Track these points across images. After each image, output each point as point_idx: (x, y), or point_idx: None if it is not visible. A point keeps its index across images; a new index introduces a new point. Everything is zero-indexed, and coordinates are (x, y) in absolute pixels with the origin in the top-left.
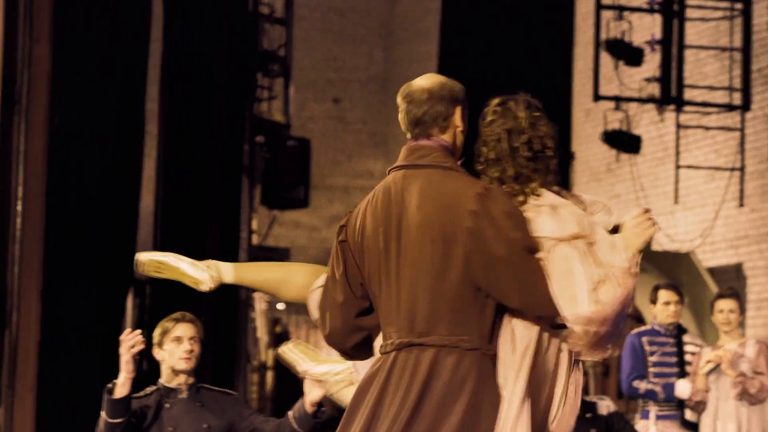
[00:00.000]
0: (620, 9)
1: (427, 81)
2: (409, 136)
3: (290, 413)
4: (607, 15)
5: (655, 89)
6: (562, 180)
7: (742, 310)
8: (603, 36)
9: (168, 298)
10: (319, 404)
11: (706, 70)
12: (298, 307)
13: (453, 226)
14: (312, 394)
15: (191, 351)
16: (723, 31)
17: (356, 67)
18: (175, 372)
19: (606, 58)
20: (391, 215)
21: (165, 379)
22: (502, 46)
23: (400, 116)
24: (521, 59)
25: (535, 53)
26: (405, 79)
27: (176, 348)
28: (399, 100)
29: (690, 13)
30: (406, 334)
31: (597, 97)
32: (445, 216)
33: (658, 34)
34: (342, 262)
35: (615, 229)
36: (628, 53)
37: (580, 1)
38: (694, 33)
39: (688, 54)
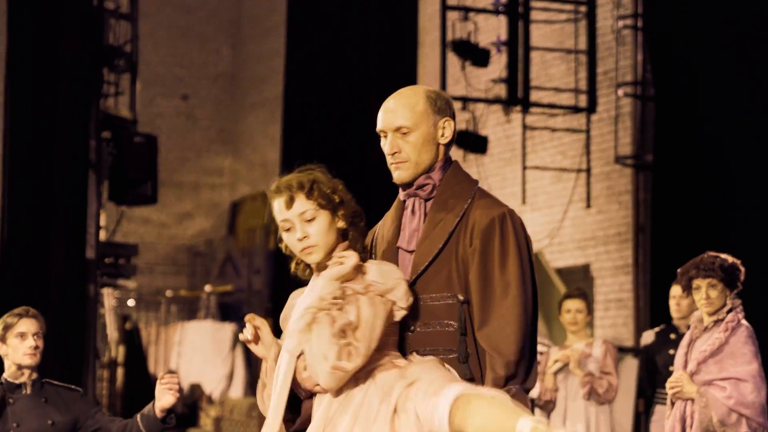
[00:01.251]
0: (466, 10)
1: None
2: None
3: (139, 415)
4: (452, 16)
5: (501, 90)
6: None
7: (590, 310)
8: (449, 37)
9: (12, 293)
10: (169, 410)
11: (552, 72)
12: (147, 304)
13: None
14: (163, 399)
15: (36, 347)
16: (568, 33)
17: (204, 63)
18: (20, 368)
19: (452, 59)
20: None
21: (9, 374)
22: (348, 45)
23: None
24: (367, 59)
25: (381, 53)
26: (253, 76)
27: (20, 344)
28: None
29: (535, 15)
30: None
31: None
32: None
33: (504, 36)
34: None
35: None
36: (474, 54)
37: (425, 1)
38: (539, 35)
39: (534, 56)
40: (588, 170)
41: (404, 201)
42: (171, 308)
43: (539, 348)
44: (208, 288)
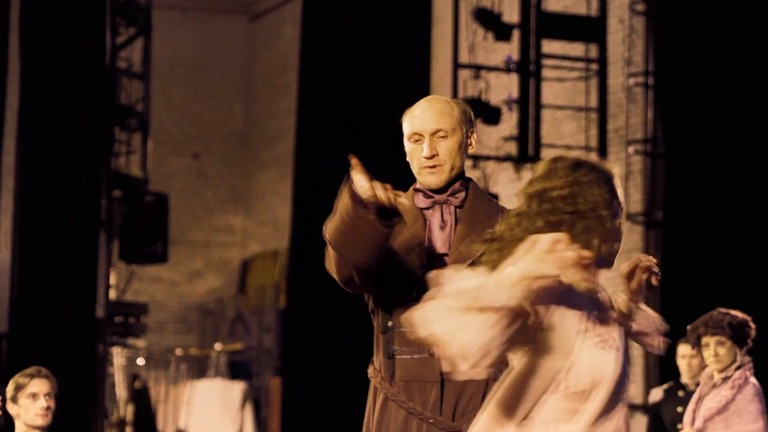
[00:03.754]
0: (477, 68)
1: None
2: None
3: None
4: (464, 74)
5: (512, 148)
6: None
7: None
8: (460, 95)
9: (23, 353)
10: None
11: (562, 130)
12: (157, 362)
13: None
14: None
15: (47, 408)
16: (579, 91)
17: (216, 122)
18: (31, 428)
19: None
20: None
21: None
22: (360, 104)
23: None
24: (379, 118)
25: (393, 112)
26: (264, 135)
27: (32, 404)
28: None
29: (546, 73)
30: None
31: None
32: None
33: (515, 94)
34: None
35: None
36: (485, 112)
37: (438, 60)
38: (550, 93)
39: (545, 113)
40: None
41: (423, 209)
42: (180, 367)
43: None
44: (218, 346)
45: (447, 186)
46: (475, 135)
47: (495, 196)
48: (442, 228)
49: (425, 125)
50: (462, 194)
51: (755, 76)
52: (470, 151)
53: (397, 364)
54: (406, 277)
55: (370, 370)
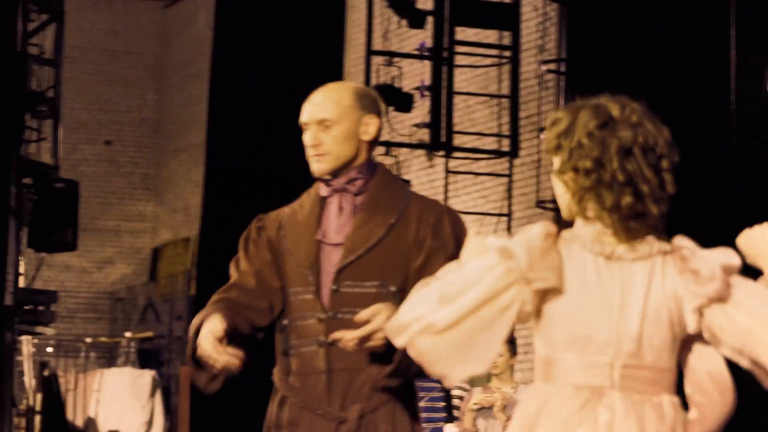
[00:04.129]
0: (390, 55)
1: None
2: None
3: None
4: (377, 61)
5: (424, 135)
6: None
7: (513, 353)
8: (373, 82)
9: None
10: None
11: (475, 117)
12: (66, 351)
13: None
14: None
15: None
16: (492, 78)
17: (128, 109)
18: None
19: None
20: None
21: None
22: (272, 92)
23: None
24: (292, 102)
25: (305, 98)
26: (177, 122)
27: None
28: None
29: (459, 60)
30: None
31: None
32: None
33: (427, 80)
34: None
35: None
36: (398, 99)
37: (351, 47)
38: (463, 80)
39: (458, 100)
40: (509, 214)
41: (325, 197)
42: (90, 355)
43: (458, 392)
44: (128, 334)
45: (339, 174)
46: (376, 121)
47: (407, 182)
48: (339, 216)
49: (310, 115)
50: (360, 182)
51: (667, 63)
52: (366, 137)
53: (291, 359)
54: (297, 272)
55: (274, 370)
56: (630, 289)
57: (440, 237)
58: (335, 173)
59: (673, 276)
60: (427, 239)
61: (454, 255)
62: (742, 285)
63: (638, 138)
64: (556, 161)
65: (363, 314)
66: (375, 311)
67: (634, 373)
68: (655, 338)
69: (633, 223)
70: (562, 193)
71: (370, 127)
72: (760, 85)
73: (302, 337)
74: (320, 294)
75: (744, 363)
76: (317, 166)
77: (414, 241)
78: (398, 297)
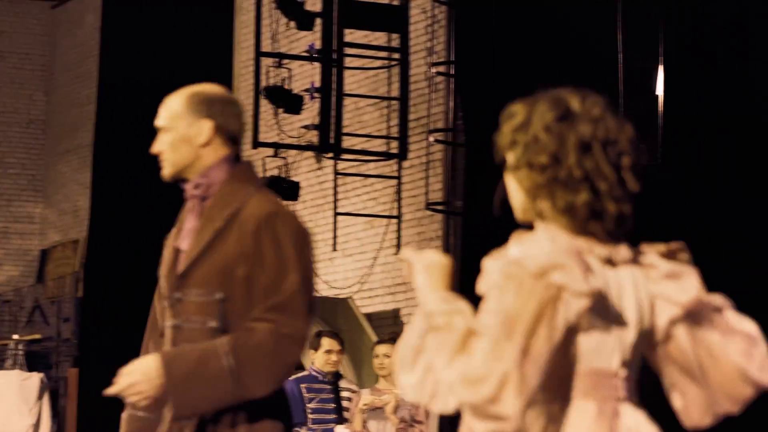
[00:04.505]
0: (280, 56)
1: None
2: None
3: None
4: (267, 62)
5: (314, 137)
6: None
7: None
8: (263, 83)
9: None
10: None
11: (365, 119)
12: None
13: None
14: None
15: None
16: (381, 80)
17: (16, 110)
18: None
19: (266, 106)
20: None
21: None
22: (161, 91)
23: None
24: None
25: None
26: (65, 123)
27: None
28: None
29: (349, 62)
30: None
31: (256, 144)
32: None
33: (317, 82)
34: None
35: None
36: (287, 100)
37: (241, 48)
38: (353, 81)
39: (348, 102)
40: (399, 216)
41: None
42: None
43: (346, 393)
44: (15, 337)
45: (180, 179)
46: (209, 124)
47: (296, 184)
48: (190, 222)
49: (156, 122)
50: (204, 186)
51: (556, 66)
52: (201, 141)
53: None
54: (161, 282)
55: None
56: (622, 296)
57: (259, 245)
58: (181, 178)
59: (647, 283)
60: (247, 247)
61: (275, 264)
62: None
63: (598, 133)
64: (511, 157)
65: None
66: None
67: (629, 385)
68: (641, 347)
69: (592, 225)
70: (516, 192)
71: (202, 131)
72: (648, 87)
73: (159, 346)
74: (168, 303)
75: (677, 400)
76: (163, 172)
77: (236, 248)
78: (223, 306)
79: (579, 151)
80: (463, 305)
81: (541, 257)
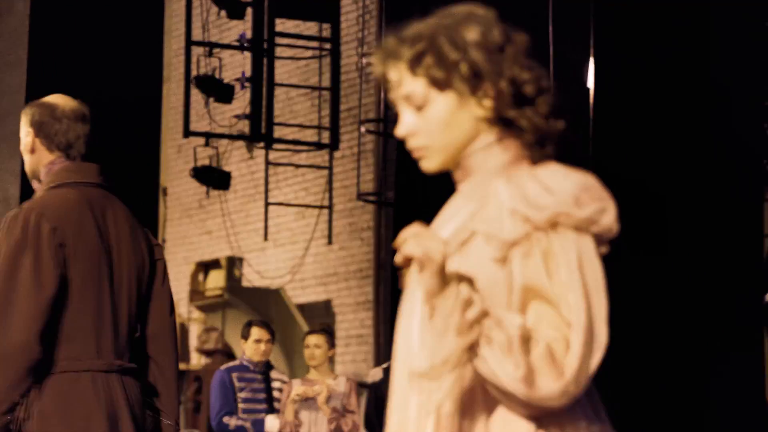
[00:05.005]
0: (211, 46)
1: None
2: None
3: None
4: (198, 51)
5: (245, 126)
6: (151, 216)
7: (332, 345)
8: (194, 72)
9: None
10: None
11: (296, 109)
12: None
13: (149, 258)
14: None
15: None
16: (313, 70)
17: None
18: None
19: (197, 95)
20: (107, 232)
21: None
22: (91, 79)
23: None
24: (111, 94)
25: (125, 87)
26: None
27: None
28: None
29: (280, 51)
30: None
31: (187, 133)
32: (145, 247)
33: (248, 72)
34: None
35: None
36: (218, 90)
37: (172, 37)
38: (284, 71)
39: (279, 92)
40: (330, 207)
41: None
42: None
43: (277, 384)
44: None
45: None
46: (29, 132)
47: (228, 174)
48: None
49: None
50: (36, 192)
51: None
52: (27, 149)
53: None
54: None
55: None
56: None
57: (7, 242)
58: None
59: None
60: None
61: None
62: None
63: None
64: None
65: None
66: None
67: None
68: None
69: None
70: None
71: (26, 140)
72: (579, 79)
73: None
74: None
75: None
76: None
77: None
78: None
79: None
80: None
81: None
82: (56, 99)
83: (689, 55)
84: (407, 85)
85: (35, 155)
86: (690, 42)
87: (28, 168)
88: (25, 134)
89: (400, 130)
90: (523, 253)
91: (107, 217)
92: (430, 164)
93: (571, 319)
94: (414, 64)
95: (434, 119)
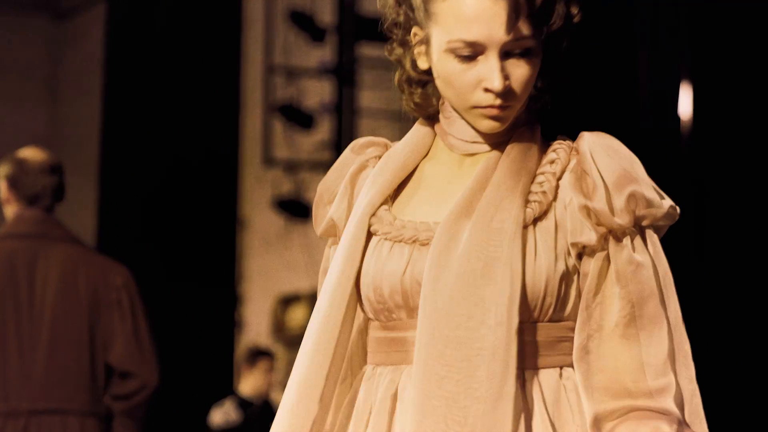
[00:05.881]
0: (291, 72)
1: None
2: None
3: None
4: (277, 78)
5: (326, 155)
6: (229, 248)
7: None
8: (273, 100)
9: None
10: None
11: (380, 135)
12: None
13: (98, 299)
14: None
15: None
16: (396, 97)
17: (18, 125)
18: None
19: (277, 122)
20: (28, 281)
21: None
22: (168, 109)
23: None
24: (187, 123)
25: (202, 117)
26: (69, 138)
27: None
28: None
29: (362, 78)
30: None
31: (268, 162)
32: (91, 290)
33: (329, 99)
34: None
35: None
36: (299, 117)
37: (249, 63)
38: (367, 98)
39: (361, 119)
40: None
41: None
42: None
43: None
44: None
45: None
46: (11, 187)
47: (308, 205)
48: None
49: None
50: None
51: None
52: (7, 200)
53: None
54: None
55: None
56: None
57: None
58: None
59: None
60: None
61: None
62: None
63: None
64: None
65: None
66: None
67: None
68: None
69: None
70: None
71: (2, 193)
72: (672, 106)
73: None
74: None
75: None
76: None
77: None
78: None
79: None
80: None
81: None
82: (27, 152)
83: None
84: (524, 31)
85: (9, 206)
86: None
87: (7, 218)
88: (2, 187)
89: (500, 83)
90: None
91: (37, 266)
92: (502, 125)
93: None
94: (546, 8)
95: (528, 77)
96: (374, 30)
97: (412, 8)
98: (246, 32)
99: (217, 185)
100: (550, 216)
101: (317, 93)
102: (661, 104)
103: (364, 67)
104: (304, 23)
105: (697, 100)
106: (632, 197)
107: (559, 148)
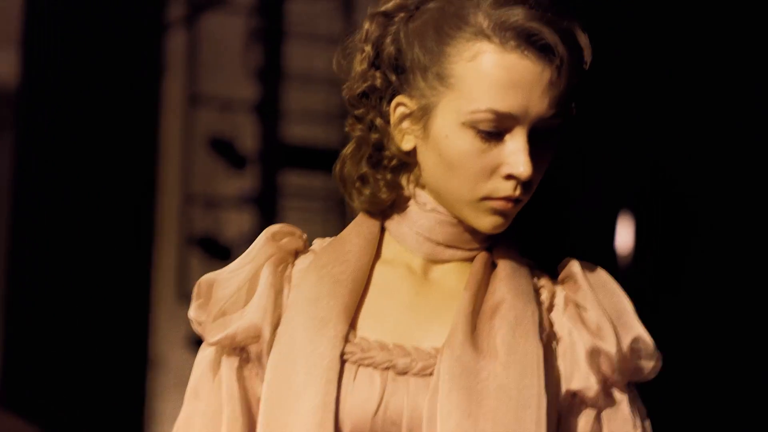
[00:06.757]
0: (209, 202)
1: None
2: None
3: None
4: (195, 209)
5: None
6: (139, 388)
7: None
8: (191, 232)
9: None
10: None
11: None
12: None
13: None
14: None
15: None
16: (321, 231)
17: None
18: None
19: (193, 256)
20: None
21: None
22: (77, 243)
23: None
24: (97, 256)
25: (113, 249)
26: None
27: None
28: None
29: (285, 208)
30: None
31: (183, 298)
32: None
33: (249, 231)
34: None
35: None
36: (216, 250)
37: (165, 192)
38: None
39: None
40: None
41: None
42: None
43: None
44: None
45: None
46: None
47: None
48: None
49: None
50: None
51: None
52: None
53: None
54: None
55: None
56: None
57: None
58: None
59: None
60: None
61: None
62: None
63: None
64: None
65: None
66: None
67: None
68: None
69: None
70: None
71: None
72: None
73: None
74: None
75: None
76: None
77: None
78: None
79: None
80: None
81: None
82: None
83: None
84: (561, 104)
85: None
86: None
87: None
88: None
89: (528, 167)
90: None
91: None
92: (506, 225)
93: None
94: (573, 79)
95: (548, 163)
96: (299, 157)
97: (399, 71)
98: (162, 159)
99: (128, 322)
100: (549, 356)
101: (237, 224)
102: None
103: (288, 196)
104: (224, 150)
105: None
106: (636, 342)
107: (537, 271)
